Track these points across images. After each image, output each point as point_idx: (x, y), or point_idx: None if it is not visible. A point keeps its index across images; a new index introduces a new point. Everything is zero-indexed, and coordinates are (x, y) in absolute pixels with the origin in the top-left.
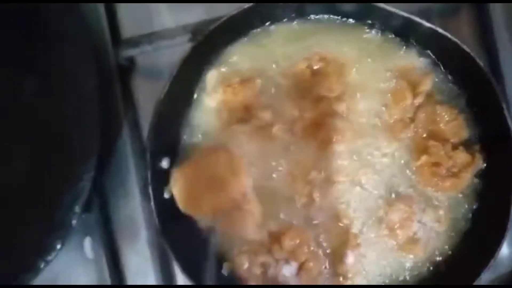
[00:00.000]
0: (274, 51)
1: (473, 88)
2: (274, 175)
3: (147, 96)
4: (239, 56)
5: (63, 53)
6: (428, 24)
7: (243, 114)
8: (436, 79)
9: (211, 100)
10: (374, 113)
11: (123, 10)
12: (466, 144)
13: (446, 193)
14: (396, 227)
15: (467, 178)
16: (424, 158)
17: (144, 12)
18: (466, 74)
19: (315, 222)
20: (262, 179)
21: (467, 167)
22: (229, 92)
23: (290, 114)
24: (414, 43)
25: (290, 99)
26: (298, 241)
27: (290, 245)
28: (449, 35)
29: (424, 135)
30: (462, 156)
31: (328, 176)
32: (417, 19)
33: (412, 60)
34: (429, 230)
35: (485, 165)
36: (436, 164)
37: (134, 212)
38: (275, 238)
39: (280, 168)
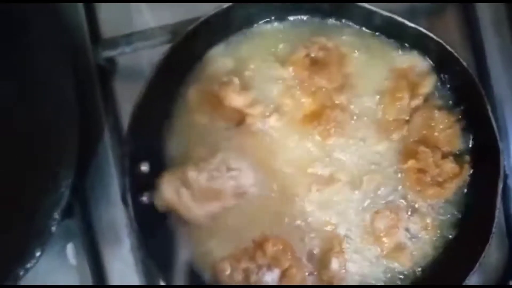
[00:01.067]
0: (269, 42)
1: (461, 92)
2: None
3: (128, 98)
4: (222, 55)
5: (40, 56)
6: (411, 24)
7: (235, 117)
8: (438, 83)
9: (199, 116)
10: (371, 109)
11: (104, 10)
12: (457, 154)
13: (431, 200)
14: (382, 234)
15: (452, 188)
16: (411, 162)
17: (125, 12)
18: (454, 76)
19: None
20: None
21: (453, 178)
22: (214, 102)
23: (287, 105)
24: (407, 45)
25: (287, 89)
26: (281, 247)
27: (273, 250)
28: (431, 34)
29: (416, 139)
30: (449, 167)
31: (329, 173)
32: (399, 18)
33: (414, 60)
34: (416, 237)
35: (471, 171)
36: (422, 171)
37: (116, 217)
38: (259, 244)
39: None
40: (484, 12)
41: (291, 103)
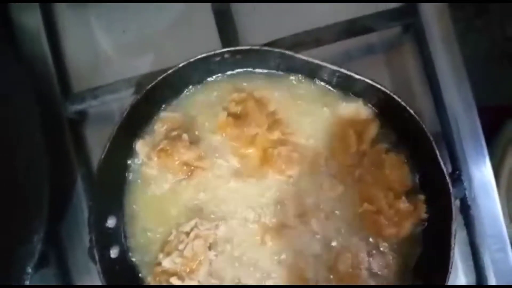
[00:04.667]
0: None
1: (409, 135)
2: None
3: (99, 144)
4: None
5: (10, 111)
6: (358, 77)
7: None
8: (384, 128)
9: (150, 168)
10: (320, 157)
11: (72, 63)
12: (411, 193)
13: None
14: (345, 277)
15: (408, 227)
16: (365, 205)
17: (94, 64)
18: (402, 122)
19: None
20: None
21: (408, 217)
22: (163, 156)
23: (236, 161)
24: (351, 94)
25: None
26: None
27: None
28: (379, 86)
29: (369, 182)
30: (403, 206)
31: (280, 221)
32: (347, 71)
33: (358, 109)
34: (378, 276)
35: (426, 208)
36: (377, 212)
37: (92, 263)
38: None
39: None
40: (437, 43)
41: (238, 158)
